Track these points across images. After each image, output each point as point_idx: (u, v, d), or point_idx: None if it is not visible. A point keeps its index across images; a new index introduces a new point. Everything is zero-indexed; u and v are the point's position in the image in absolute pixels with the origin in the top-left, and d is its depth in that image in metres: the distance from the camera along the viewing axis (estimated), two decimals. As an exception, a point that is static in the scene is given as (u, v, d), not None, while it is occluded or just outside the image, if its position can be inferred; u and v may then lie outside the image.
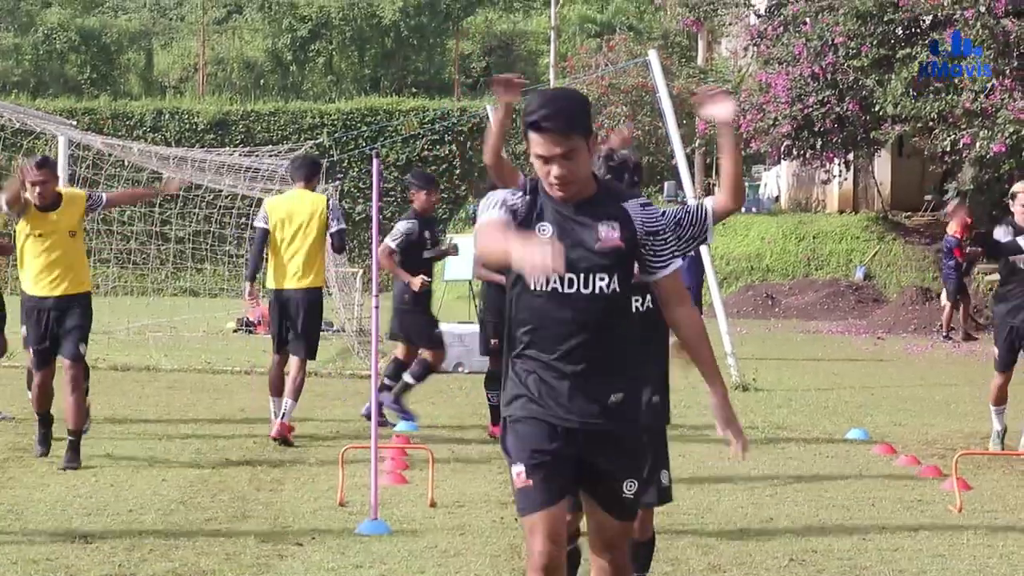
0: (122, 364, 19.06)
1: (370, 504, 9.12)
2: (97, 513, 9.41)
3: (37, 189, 11.14)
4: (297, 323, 12.81)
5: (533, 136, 5.23)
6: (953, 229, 26.63)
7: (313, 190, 13.25)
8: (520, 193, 5.35)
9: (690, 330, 5.48)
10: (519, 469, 5.30)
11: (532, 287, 5.25)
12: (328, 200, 13.07)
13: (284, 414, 12.57)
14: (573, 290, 5.25)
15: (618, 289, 5.29)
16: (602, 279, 5.26)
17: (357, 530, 8.90)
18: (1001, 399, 12.75)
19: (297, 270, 12.79)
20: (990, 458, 12.17)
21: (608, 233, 5.27)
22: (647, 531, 7.13)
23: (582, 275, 5.25)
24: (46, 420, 11.63)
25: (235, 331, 26.02)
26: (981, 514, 9.80)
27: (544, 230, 5.26)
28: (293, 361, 12.84)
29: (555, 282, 5.23)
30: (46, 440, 11.61)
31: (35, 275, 11.32)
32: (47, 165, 11.41)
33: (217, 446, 12.42)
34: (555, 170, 5.23)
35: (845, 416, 15.01)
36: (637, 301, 6.41)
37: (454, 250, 14.47)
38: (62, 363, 11.41)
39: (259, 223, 13.08)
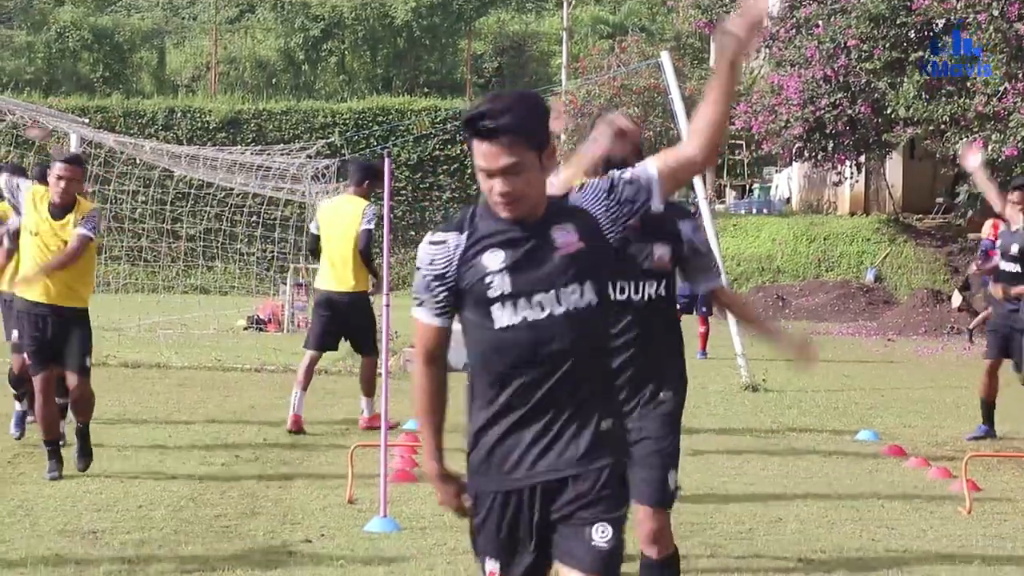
0: (132, 361, 19.08)
1: (379, 502, 9.12)
2: (106, 509, 9.42)
3: (62, 184, 10.46)
4: (350, 326, 13.24)
5: (474, 144, 4.46)
6: (987, 232, 26.59)
7: (366, 196, 13.29)
8: (452, 234, 4.60)
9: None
10: (492, 567, 4.65)
11: (496, 324, 4.54)
12: (367, 205, 13.15)
13: (363, 411, 13.33)
14: (545, 314, 4.50)
15: (594, 301, 4.56)
16: (573, 292, 4.51)
17: (366, 528, 8.90)
18: None
19: (340, 274, 13.09)
20: (1000, 460, 12.15)
21: (564, 237, 4.53)
22: (667, 545, 6.22)
23: (551, 293, 4.50)
24: (56, 451, 10.67)
25: (245, 329, 26.04)
26: (991, 516, 9.78)
27: (495, 257, 4.52)
28: (362, 360, 13.38)
29: (524, 309, 4.50)
30: (58, 466, 10.58)
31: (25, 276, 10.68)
32: (77, 162, 10.76)
33: (227, 443, 12.43)
34: (499, 186, 4.45)
35: (855, 417, 15.00)
36: (651, 287, 6.09)
37: None
38: (67, 377, 10.73)
39: (312, 228, 13.62)
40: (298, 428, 12.92)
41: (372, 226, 13.13)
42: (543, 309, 4.51)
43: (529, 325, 4.51)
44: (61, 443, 10.97)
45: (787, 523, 9.39)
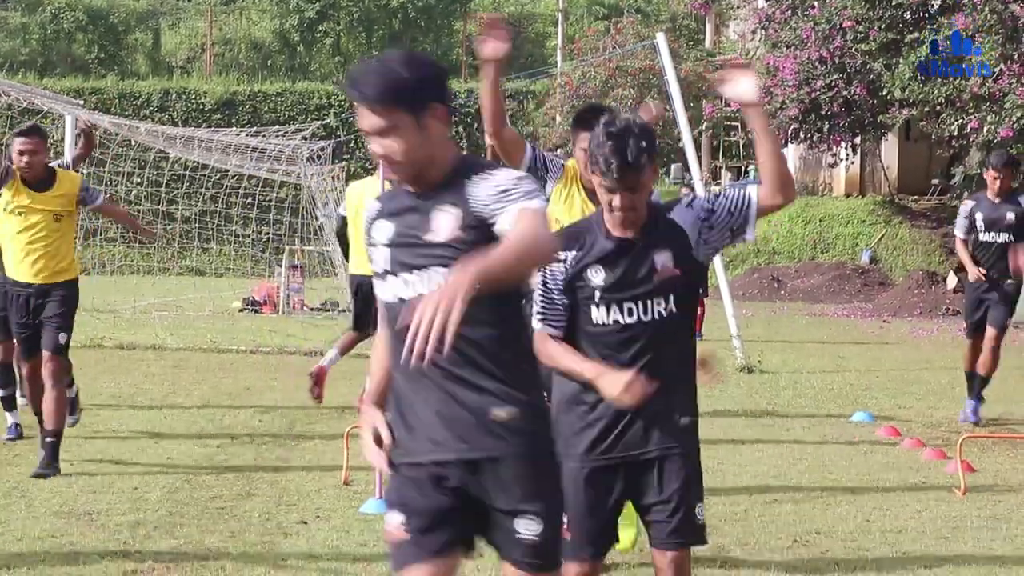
0: (128, 343, 19.09)
1: (375, 483, 9.13)
2: (102, 491, 9.43)
3: (25, 159, 10.26)
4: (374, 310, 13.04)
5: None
6: None
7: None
8: (374, 202, 4.62)
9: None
10: (397, 519, 4.49)
11: (380, 295, 4.49)
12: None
13: (363, 388, 13.06)
14: (413, 294, 4.32)
15: None
16: (442, 278, 4.25)
17: (361, 509, 8.91)
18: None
19: (365, 259, 12.97)
20: (994, 441, 12.17)
21: (441, 221, 4.33)
22: None
23: (416, 274, 4.35)
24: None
25: (240, 310, 26.03)
26: (985, 497, 9.80)
27: (384, 231, 4.46)
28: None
29: (395, 287, 4.41)
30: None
31: (14, 257, 10.46)
32: (37, 133, 10.45)
33: (222, 425, 12.45)
34: (374, 146, 4.32)
35: (850, 399, 15.01)
36: (660, 304, 5.43)
37: None
38: (42, 355, 10.32)
39: (340, 210, 13.55)
40: (320, 378, 12.89)
41: None
42: (411, 289, 4.36)
43: (401, 302, 4.37)
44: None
45: (782, 504, 9.41)
